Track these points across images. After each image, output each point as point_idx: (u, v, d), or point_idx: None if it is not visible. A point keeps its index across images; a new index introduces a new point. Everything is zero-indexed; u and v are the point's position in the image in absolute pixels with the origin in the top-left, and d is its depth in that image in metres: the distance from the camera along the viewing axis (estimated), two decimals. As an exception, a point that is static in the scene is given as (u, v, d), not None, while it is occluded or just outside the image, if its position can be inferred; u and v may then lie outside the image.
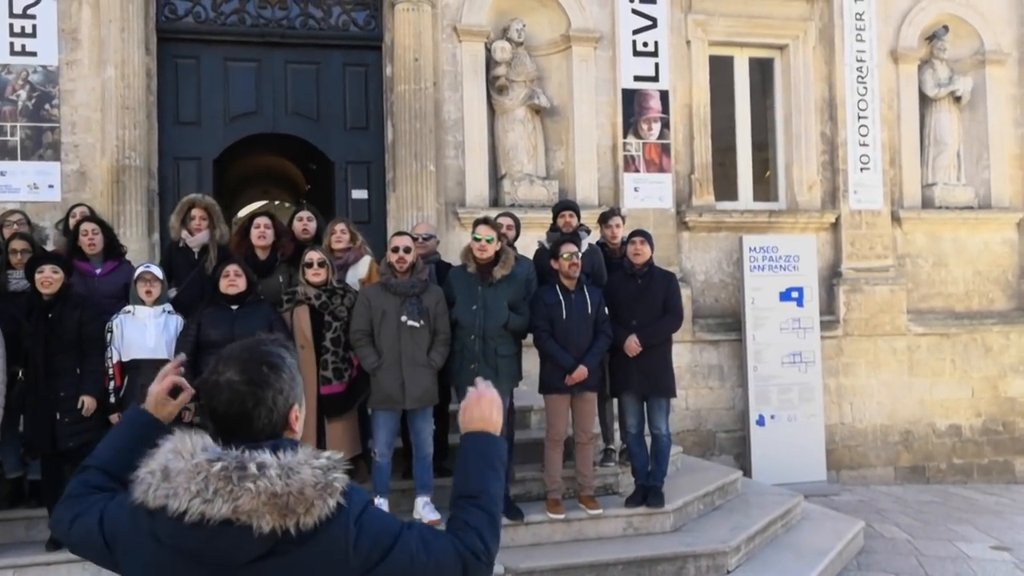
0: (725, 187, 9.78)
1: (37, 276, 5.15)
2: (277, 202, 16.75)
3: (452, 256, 6.73)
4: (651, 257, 6.18)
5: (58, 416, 5.17)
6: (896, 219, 9.82)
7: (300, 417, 1.75)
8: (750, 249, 9.07)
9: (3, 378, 5.11)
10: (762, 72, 10.03)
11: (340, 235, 5.95)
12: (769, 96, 10.02)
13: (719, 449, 9.23)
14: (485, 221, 5.89)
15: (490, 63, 8.80)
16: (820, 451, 9.05)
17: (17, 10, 7.81)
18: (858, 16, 9.70)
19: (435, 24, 8.62)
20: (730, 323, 9.28)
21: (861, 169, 9.68)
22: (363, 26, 8.85)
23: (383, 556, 1.63)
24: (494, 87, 8.77)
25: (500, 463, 1.86)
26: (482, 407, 1.89)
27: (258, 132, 8.73)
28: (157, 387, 1.94)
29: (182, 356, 2.30)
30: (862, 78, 9.71)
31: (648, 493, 6.06)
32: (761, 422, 8.95)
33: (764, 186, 10.08)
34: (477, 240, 5.75)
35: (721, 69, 9.72)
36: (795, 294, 9.12)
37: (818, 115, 9.74)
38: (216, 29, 8.48)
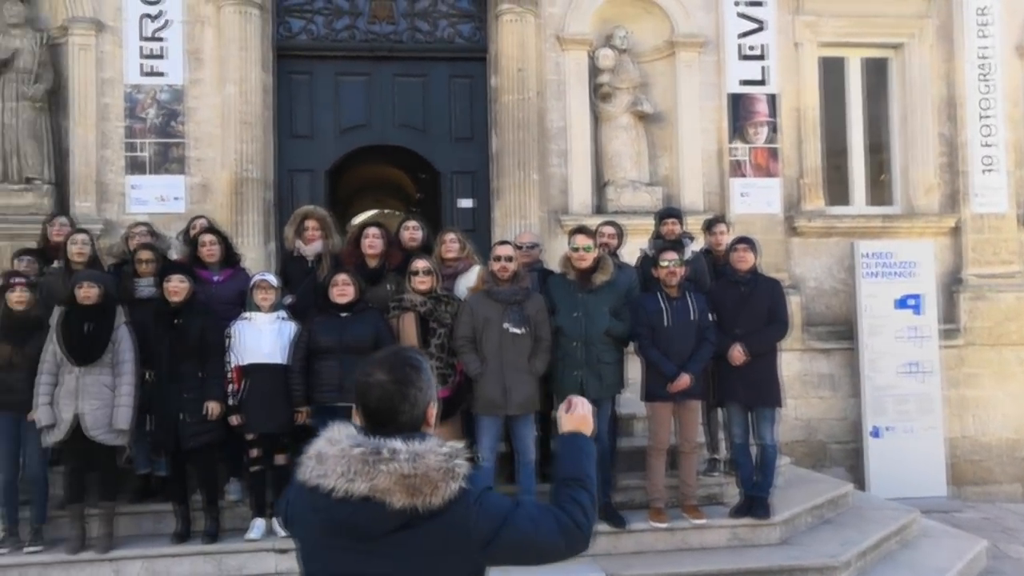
0: (837, 191, 9.50)
1: (166, 285, 5.49)
2: (388, 211, 17.19)
3: (555, 263, 6.76)
4: (755, 264, 6.07)
5: (182, 417, 5.48)
6: (1023, 223, 9.33)
7: (436, 413, 2.03)
8: (864, 255, 8.78)
9: (136, 380, 5.45)
10: (876, 72, 9.69)
11: (450, 245, 6.08)
12: (884, 97, 9.68)
13: (831, 461, 8.96)
14: (582, 230, 5.92)
15: (593, 71, 8.82)
16: (940, 465, 8.67)
17: (148, 34, 8.32)
18: (980, 11, 9.26)
19: (539, 34, 8.71)
20: (842, 331, 9.00)
21: (984, 171, 9.24)
22: (468, 38, 9.03)
23: (496, 532, 1.89)
24: (598, 95, 8.80)
25: (594, 458, 2.15)
26: (578, 413, 2.18)
27: (368, 144, 9.01)
28: None
29: None
30: (985, 76, 9.27)
31: (754, 504, 5.96)
32: (876, 434, 8.64)
33: (879, 190, 9.73)
34: (575, 250, 5.78)
35: (832, 70, 9.46)
36: (912, 301, 8.78)
37: (936, 115, 9.35)
38: (328, 45, 8.81)
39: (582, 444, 2.14)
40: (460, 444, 1.92)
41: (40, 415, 5.32)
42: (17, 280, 5.54)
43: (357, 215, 15.56)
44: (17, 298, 5.48)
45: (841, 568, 5.62)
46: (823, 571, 5.58)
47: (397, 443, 1.85)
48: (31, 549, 5.41)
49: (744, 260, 5.98)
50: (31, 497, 5.60)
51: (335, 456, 1.86)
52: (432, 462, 1.84)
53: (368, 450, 1.84)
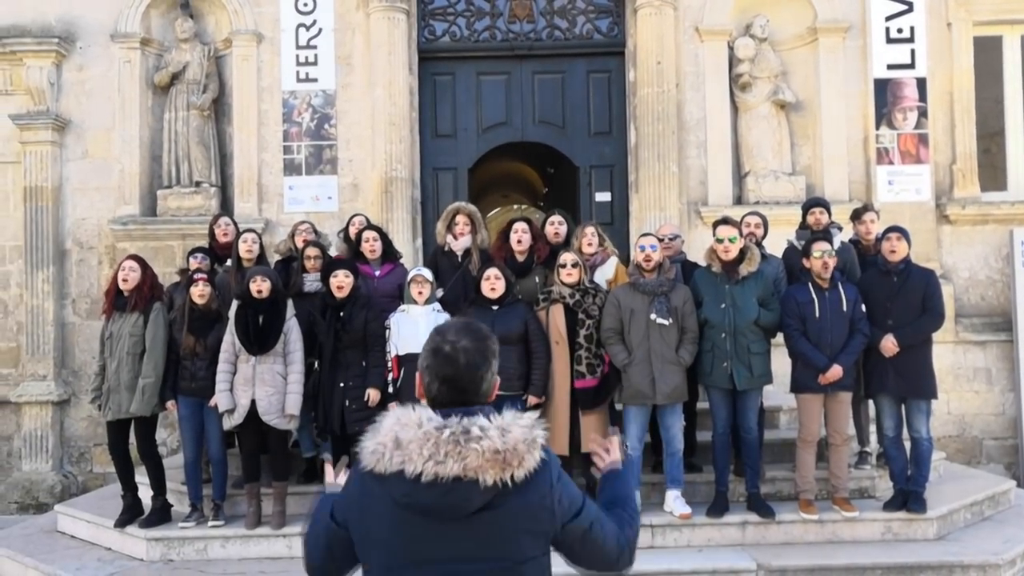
0: (991, 176, 9.09)
1: (331, 280, 5.85)
2: (516, 206, 17.45)
3: (694, 255, 6.80)
4: (908, 254, 5.92)
5: (346, 403, 5.82)
6: None
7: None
8: (1023, 243, 8.38)
9: (303, 369, 5.84)
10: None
11: (590, 239, 6.20)
12: (1042, 75, 9.19)
13: (986, 457, 8.62)
14: (726, 221, 5.92)
15: (732, 61, 8.76)
16: (1110, 464, 8.22)
17: (302, 42, 8.81)
18: None
19: (677, 26, 8.72)
20: (999, 323, 8.63)
21: None
22: (606, 33, 9.12)
23: (574, 515, 1.93)
24: (737, 84, 8.73)
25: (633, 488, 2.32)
26: (613, 455, 2.25)
27: (508, 141, 9.24)
28: None
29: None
30: None
31: (908, 498, 5.83)
32: (1037, 430, 8.25)
33: (1038, 174, 9.25)
34: (720, 241, 5.80)
35: (986, 50, 9.04)
36: (1076, 291, 8.32)
37: (1103, 93, 8.81)
38: (470, 46, 9.09)
39: (624, 476, 2.22)
40: (535, 413, 1.97)
41: (221, 400, 5.77)
42: (199, 275, 6.01)
43: (486, 211, 15.88)
44: (199, 292, 5.95)
45: (1005, 567, 5.45)
46: (984, 569, 5.42)
47: (483, 420, 1.84)
48: (214, 523, 5.89)
49: (897, 250, 5.84)
50: (212, 476, 6.09)
51: (419, 440, 1.82)
52: (518, 434, 1.84)
53: (457, 430, 1.82)
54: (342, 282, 5.82)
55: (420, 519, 1.84)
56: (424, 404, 1.95)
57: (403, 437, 1.84)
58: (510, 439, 1.82)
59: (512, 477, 1.82)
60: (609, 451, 2.26)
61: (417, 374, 2.00)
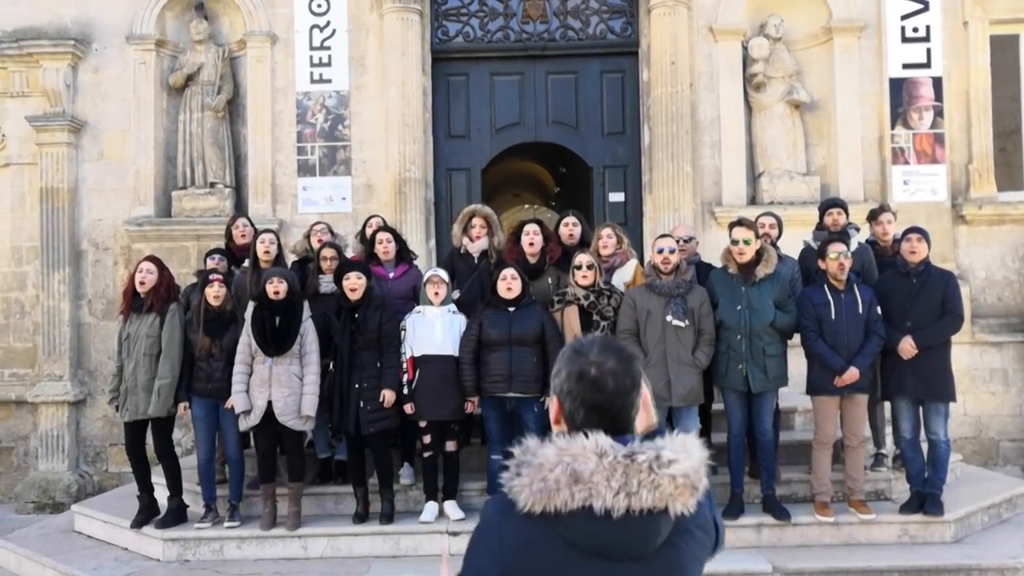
0: (1008, 175, 9.03)
1: (344, 282, 5.86)
2: (528, 206, 17.44)
3: (709, 255, 6.78)
4: (928, 255, 5.89)
5: (361, 404, 5.83)
6: None
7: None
8: (1039, 243, 8.34)
9: (319, 370, 5.85)
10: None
11: (607, 240, 6.19)
12: (1060, 74, 9.13)
13: (1003, 459, 8.57)
14: (741, 223, 5.89)
15: (746, 60, 8.73)
16: None
17: (316, 43, 8.83)
18: None
19: (691, 26, 8.70)
20: (1015, 323, 8.58)
21: None
22: (620, 33, 9.10)
23: (721, 536, 1.82)
24: (751, 84, 8.70)
25: None
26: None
27: (521, 142, 9.24)
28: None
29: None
30: None
31: (925, 500, 5.81)
32: (1054, 431, 8.20)
33: (1055, 174, 9.20)
34: (735, 243, 5.78)
35: (1003, 48, 8.99)
36: (1095, 292, 8.26)
37: (1121, 92, 8.75)
38: (483, 47, 9.09)
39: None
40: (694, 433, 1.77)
41: (237, 402, 5.79)
42: (215, 276, 6.03)
43: (498, 210, 15.86)
44: (215, 293, 5.97)
45: (1023, 570, 5.41)
46: (1002, 572, 5.39)
47: (661, 442, 1.66)
48: (230, 524, 5.91)
49: (917, 251, 5.80)
50: (228, 476, 6.12)
51: (604, 470, 1.62)
52: (698, 454, 1.67)
53: (650, 456, 1.63)
54: (354, 284, 5.83)
55: (600, 562, 1.65)
56: (561, 431, 1.76)
57: (582, 469, 1.62)
58: (695, 460, 1.66)
59: (693, 503, 1.67)
60: None
61: (552, 400, 1.82)
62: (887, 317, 5.77)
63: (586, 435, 1.65)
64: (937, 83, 8.64)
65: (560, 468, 1.62)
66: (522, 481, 1.64)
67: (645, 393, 1.78)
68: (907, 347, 5.69)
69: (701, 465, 1.67)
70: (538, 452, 1.66)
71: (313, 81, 8.86)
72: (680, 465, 1.63)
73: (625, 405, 1.71)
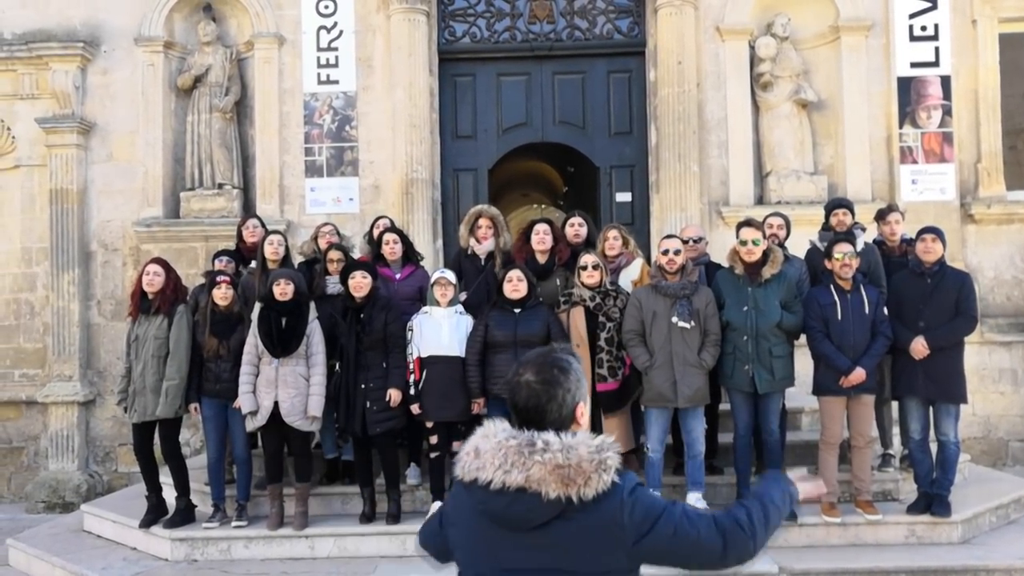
0: (1017, 174, 8.99)
1: (350, 282, 5.87)
2: (535, 205, 17.45)
3: (715, 255, 6.77)
4: (943, 255, 5.85)
5: (368, 404, 5.84)
6: None
7: (585, 412, 2.07)
8: (1049, 242, 8.30)
9: (326, 371, 5.87)
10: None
11: (613, 241, 6.19)
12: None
13: (1012, 459, 8.54)
14: (749, 223, 5.88)
15: (753, 60, 8.72)
16: None
17: (323, 44, 8.85)
18: None
19: (697, 26, 8.69)
20: (1024, 323, 8.54)
21: None
22: (626, 33, 9.10)
23: (652, 526, 1.94)
24: (758, 84, 8.69)
25: (785, 501, 2.18)
26: (812, 494, 2.34)
27: (528, 142, 9.25)
28: None
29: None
30: None
31: (932, 501, 5.79)
32: (1063, 432, 8.16)
33: (1065, 172, 9.16)
34: (743, 243, 5.77)
35: (1012, 47, 8.95)
36: (1105, 291, 8.22)
37: None
38: (490, 47, 9.10)
39: (784, 483, 2.23)
40: (611, 438, 1.99)
41: (244, 402, 5.82)
42: (222, 278, 6.06)
43: (505, 210, 15.88)
44: (222, 295, 5.99)
45: (1031, 571, 5.41)
46: (1010, 573, 5.37)
47: (550, 435, 1.93)
48: (238, 524, 5.94)
49: (932, 251, 5.74)
50: (236, 476, 6.15)
51: (492, 449, 1.95)
52: (584, 453, 1.90)
53: (523, 441, 1.93)
54: (360, 283, 5.83)
55: (496, 528, 1.96)
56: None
57: (482, 447, 1.98)
58: (574, 456, 1.90)
59: (580, 496, 1.89)
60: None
61: None
62: (899, 317, 5.75)
63: (495, 422, 2.02)
64: (946, 82, 8.61)
65: (472, 445, 2.01)
66: (458, 456, 2.05)
67: (580, 405, 2.04)
68: (919, 347, 5.65)
69: (585, 464, 1.89)
70: (475, 433, 2.04)
71: (320, 82, 8.88)
72: (550, 455, 1.90)
73: (539, 409, 1.99)
